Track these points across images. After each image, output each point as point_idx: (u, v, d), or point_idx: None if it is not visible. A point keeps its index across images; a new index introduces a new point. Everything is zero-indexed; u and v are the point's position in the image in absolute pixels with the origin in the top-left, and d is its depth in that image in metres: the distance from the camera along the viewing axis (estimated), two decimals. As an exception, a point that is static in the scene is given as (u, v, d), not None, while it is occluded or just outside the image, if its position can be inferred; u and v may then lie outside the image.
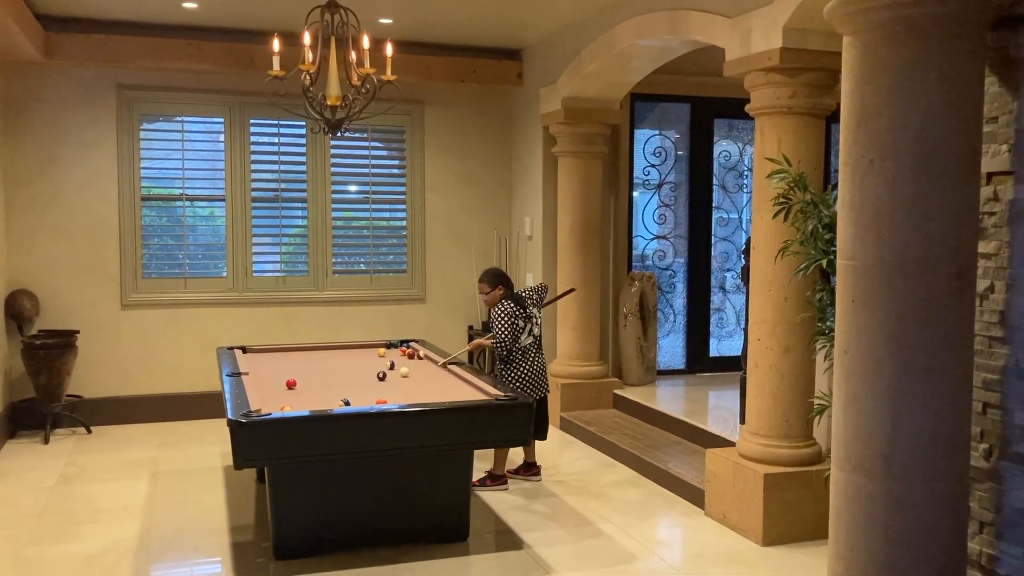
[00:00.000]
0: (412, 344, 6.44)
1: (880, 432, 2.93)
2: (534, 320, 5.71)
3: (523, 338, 5.62)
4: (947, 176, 2.84)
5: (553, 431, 6.84)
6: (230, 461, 4.18)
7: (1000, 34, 2.99)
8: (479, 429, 4.50)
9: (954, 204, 2.86)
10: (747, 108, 4.89)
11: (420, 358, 6.03)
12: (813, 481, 4.74)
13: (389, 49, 5.02)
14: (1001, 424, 3.02)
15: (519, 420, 4.53)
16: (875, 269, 2.93)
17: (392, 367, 5.57)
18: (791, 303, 4.70)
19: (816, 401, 4.37)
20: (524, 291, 5.86)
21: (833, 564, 3.12)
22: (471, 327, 8.23)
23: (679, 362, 8.43)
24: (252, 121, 7.70)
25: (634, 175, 8.11)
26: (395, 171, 8.20)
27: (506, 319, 5.54)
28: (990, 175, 3.05)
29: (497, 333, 5.55)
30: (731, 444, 5.35)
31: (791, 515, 4.74)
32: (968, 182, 2.88)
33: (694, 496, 5.37)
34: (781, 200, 4.29)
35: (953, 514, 2.94)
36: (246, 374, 5.20)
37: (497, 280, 5.73)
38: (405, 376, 5.38)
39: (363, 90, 4.96)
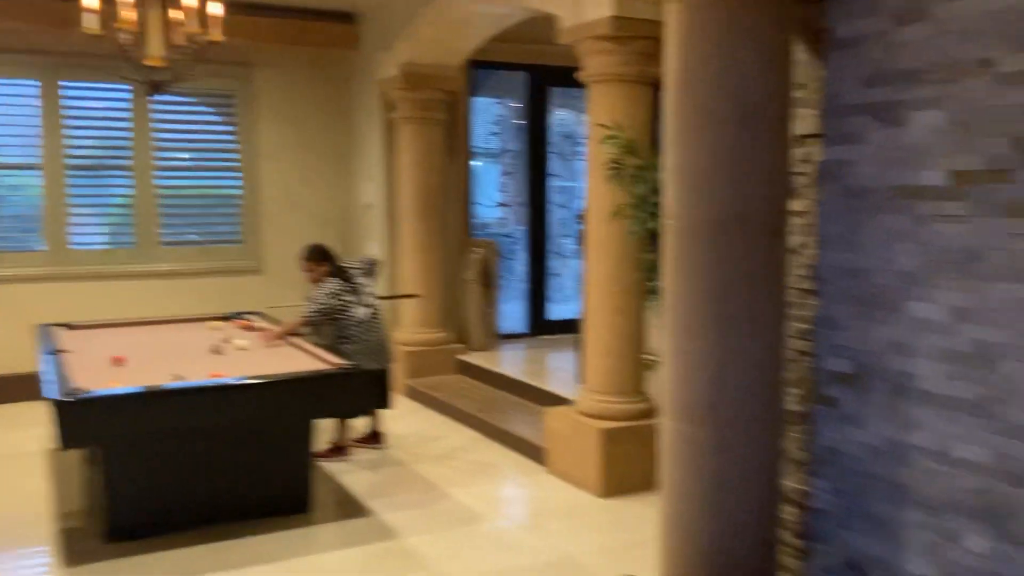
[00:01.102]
0: (248, 317, 6.26)
1: (706, 383, 3.09)
2: (363, 291, 5.62)
3: (359, 311, 5.52)
4: (762, 138, 3.00)
5: (399, 399, 6.83)
6: (48, 445, 3.96)
7: (807, 6, 3.18)
8: (320, 400, 4.46)
9: (769, 165, 3.03)
10: (580, 75, 4.99)
11: (258, 330, 5.87)
12: (647, 434, 4.95)
13: (217, 8, 4.81)
14: (812, 370, 3.25)
15: (361, 390, 4.52)
16: (697, 228, 3.07)
17: (228, 340, 5.40)
18: (624, 265, 4.86)
19: (648, 358, 4.56)
20: (350, 264, 5.73)
21: (665, 509, 3.28)
22: (312, 298, 8.07)
23: (521, 326, 8.58)
24: (69, 84, 7.20)
25: (477, 143, 8.14)
26: (226, 137, 7.90)
27: (329, 298, 5.39)
28: (801, 137, 3.25)
29: (317, 307, 5.37)
30: (571, 403, 5.51)
31: (627, 468, 4.94)
32: (781, 144, 3.06)
33: (537, 455, 5.50)
34: (613, 165, 4.42)
35: (771, 455, 3.14)
36: (69, 352, 4.93)
37: (322, 256, 5.54)
38: (243, 349, 5.23)
39: (188, 50, 4.75)
